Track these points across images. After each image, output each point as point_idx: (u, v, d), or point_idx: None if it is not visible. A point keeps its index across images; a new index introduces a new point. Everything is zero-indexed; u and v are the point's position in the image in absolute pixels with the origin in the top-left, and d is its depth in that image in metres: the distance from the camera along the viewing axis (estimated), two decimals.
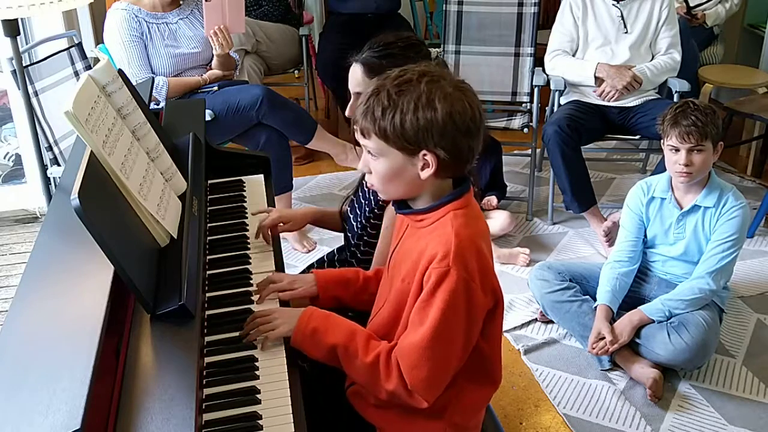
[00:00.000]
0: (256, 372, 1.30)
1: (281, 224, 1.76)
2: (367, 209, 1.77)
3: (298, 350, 1.38)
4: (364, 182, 1.83)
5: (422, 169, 1.27)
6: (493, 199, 3.18)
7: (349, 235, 1.86)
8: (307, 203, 3.51)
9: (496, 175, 3.21)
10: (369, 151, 1.30)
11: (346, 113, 1.74)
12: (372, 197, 1.75)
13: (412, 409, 1.35)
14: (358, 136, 1.31)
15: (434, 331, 1.26)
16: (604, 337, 2.32)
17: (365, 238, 1.79)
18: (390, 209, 1.63)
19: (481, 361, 1.40)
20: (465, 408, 1.42)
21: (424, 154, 1.26)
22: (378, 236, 1.72)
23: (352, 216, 1.85)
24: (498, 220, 3.11)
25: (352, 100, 1.73)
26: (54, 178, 2.83)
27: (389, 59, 1.64)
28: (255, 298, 1.50)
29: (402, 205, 1.37)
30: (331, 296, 1.55)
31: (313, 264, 2.02)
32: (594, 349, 2.33)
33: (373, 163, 1.30)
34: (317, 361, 1.39)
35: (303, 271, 2.01)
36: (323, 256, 2.01)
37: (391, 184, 1.31)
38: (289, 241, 3.09)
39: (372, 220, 1.75)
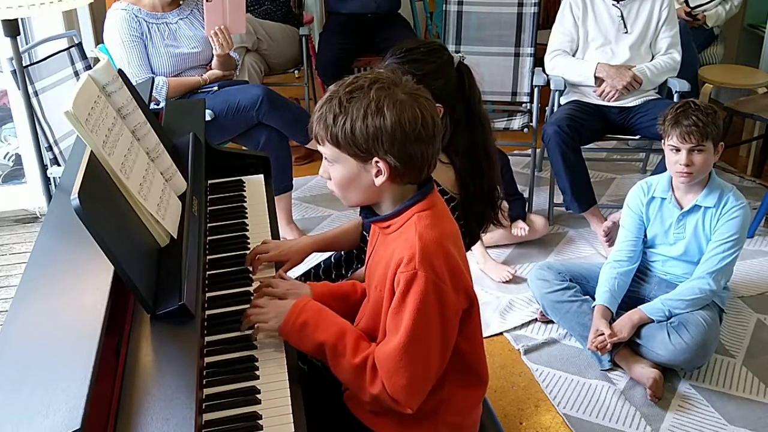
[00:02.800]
0: (256, 372, 1.30)
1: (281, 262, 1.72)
2: None
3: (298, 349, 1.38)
4: None
5: (376, 175, 1.27)
6: (523, 227, 3.04)
7: (365, 233, 1.87)
8: (307, 203, 3.51)
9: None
10: (326, 158, 1.31)
11: None
12: None
13: (407, 414, 1.35)
14: (315, 142, 1.31)
15: (408, 336, 1.25)
16: (603, 333, 2.32)
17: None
18: None
19: (465, 362, 1.40)
20: (457, 409, 1.42)
21: (377, 161, 1.26)
22: None
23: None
24: (537, 224, 3.09)
25: None
26: (54, 178, 2.83)
27: (411, 65, 1.63)
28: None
29: (369, 213, 1.37)
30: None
31: (319, 264, 2.00)
32: (593, 343, 2.32)
33: (330, 170, 1.31)
34: (312, 360, 1.39)
35: (305, 272, 2.01)
36: (330, 256, 2.00)
37: (349, 191, 1.32)
38: None
39: None
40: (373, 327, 1.37)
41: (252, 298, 1.49)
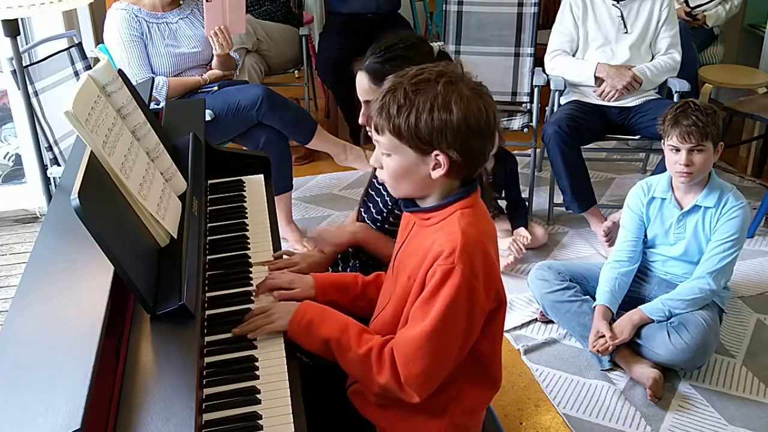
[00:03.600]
0: (256, 372, 1.30)
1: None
2: (389, 200, 1.77)
3: (297, 345, 1.38)
4: (374, 180, 1.83)
5: (434, 168, 1.28)
6: (525, 235, 3.03)
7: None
8: (307, 203, 3.51)
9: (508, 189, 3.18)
10: (381, 147, 1.31)
11: (359, 121, 1.73)
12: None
13: (413, 408, 1.35)
14: (371, 131, 1.31)
15: (434, 326, 1.27)
16: (604, 335, 2.32)
17: (386, 226, 1.79)
18: None
19: (481, 362, 1.40)
20: (465, 409, 1.42)
21: (437, 155, 1.26)
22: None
23: (366, 216, 1.86)
24: (537, 232, 3.11)
25: (363, 108, 1.73)
26: (54, 178, 2.83)
27: (392, 62, 1.64)
28: (255, 297, 1.50)
29: (409, 203, 1.38)
30: (329, 300, 1.54)
31: None
32: (594, 346, 2.32)
33: (385, 160, 1.31)
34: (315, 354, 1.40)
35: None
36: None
37: (402, 182, 1.32)
38: (288, 241, 3.09)
39: (395, 211, 1.75)
40: (399, 315, 1.38)
41: (253, 298, 1.50)
